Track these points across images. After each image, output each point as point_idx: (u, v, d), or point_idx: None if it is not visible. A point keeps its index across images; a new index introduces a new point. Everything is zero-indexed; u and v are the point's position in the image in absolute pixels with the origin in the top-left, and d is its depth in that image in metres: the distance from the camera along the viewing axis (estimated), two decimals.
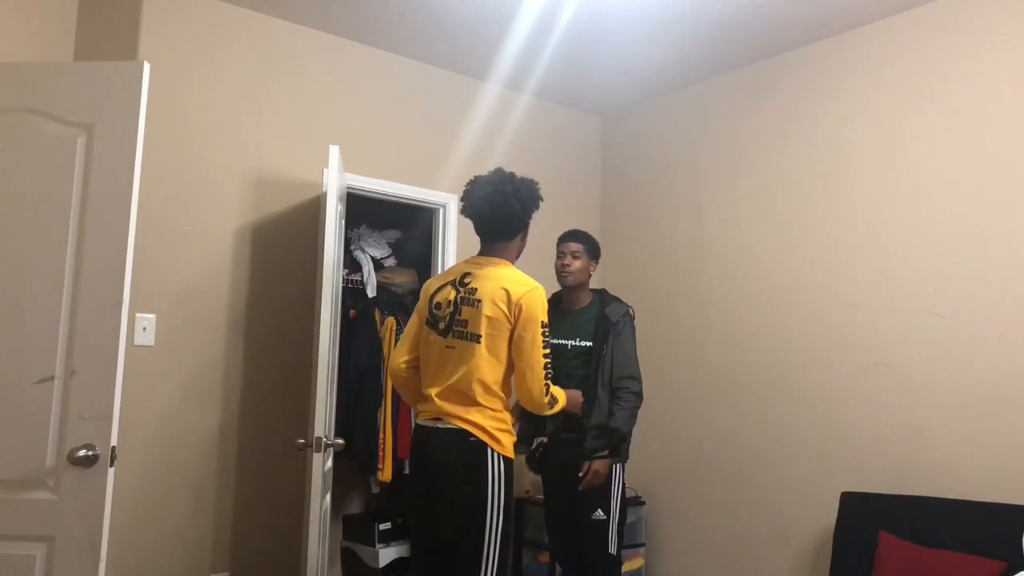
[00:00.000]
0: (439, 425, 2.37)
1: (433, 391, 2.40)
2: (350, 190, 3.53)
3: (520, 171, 4.41)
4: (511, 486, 2.37)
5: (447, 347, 2.41)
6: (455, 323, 2.40)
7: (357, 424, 3.63)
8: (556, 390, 2.50)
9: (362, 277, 4.03)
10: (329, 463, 3.07)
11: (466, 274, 2.47)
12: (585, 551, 3.05)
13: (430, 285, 2.58)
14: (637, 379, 3.06)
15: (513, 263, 2.56)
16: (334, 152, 3.06)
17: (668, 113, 4.28)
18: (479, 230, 2.56)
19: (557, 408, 2.49)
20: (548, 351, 2.40)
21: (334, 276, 3.07)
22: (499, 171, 2.53)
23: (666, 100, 4.30)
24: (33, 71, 2.33)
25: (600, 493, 3.01)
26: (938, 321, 3.05)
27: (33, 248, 2.19)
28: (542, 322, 2.37)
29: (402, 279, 4.15)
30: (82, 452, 2.07)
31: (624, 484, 3.10)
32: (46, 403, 2.12)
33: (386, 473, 3.68)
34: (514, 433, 2.48)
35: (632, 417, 3.03)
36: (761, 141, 3.78)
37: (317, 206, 3.42)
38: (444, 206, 3.92)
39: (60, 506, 2.09)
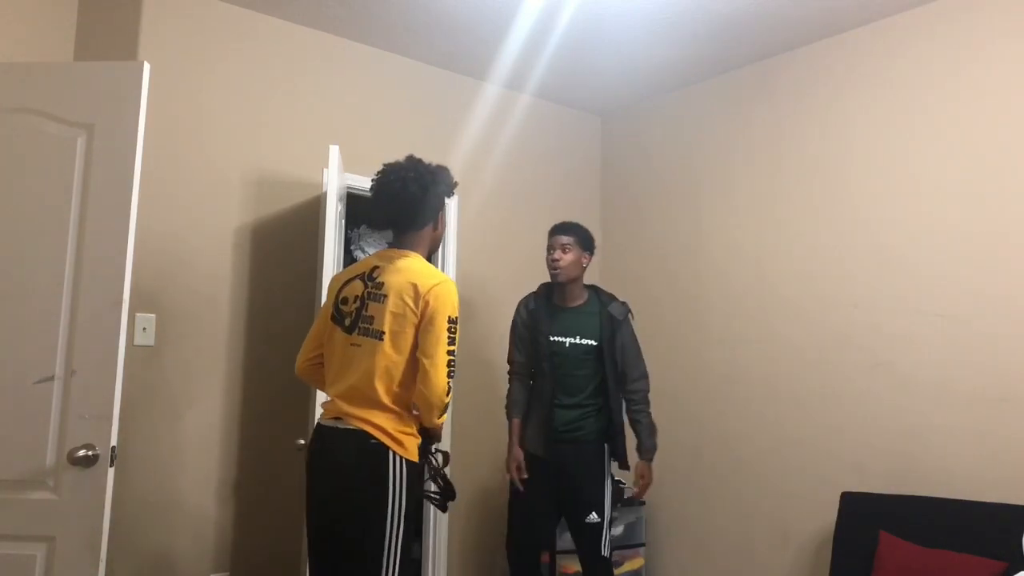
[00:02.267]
0: (339, 425, 2.19)
1: (335, 391, 2.24)
2: (350, 190, 3.52)
3: (520, 171, 4.34)
4: (413, 490, 2.20)
5: (352, 344, 2.22)
6: (361, 319, 2.22)
7: None
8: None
9: None
10: None
11: (375, 267, 2.28)
12: (579, 552, 3.07)
13: (337, 279, 2.38)
14: (647, 377, 3.17)
15: (427, 255, 2.37)
16: (334, 152, 3.07)
17: (668, 113, 4.28)
18: (386, 220, 2.39)
19: (441, 421, 2.24)
20: (454, 348, 2.18)
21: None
22: (408, 157, 2.35)
23: (666, 100, 4.30)
24: (33, 71, 2.32)
25: (597, 496, 3.02)
26: (939, 321, 3.05)
27: (33, 248, 2.19)
28: (449, 317, 2.18)
29: None
30: (82, 452, 2.08)
31: (614, 485, 3.15)
32: (46, 403, 2.12)
33: None
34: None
35: (649, 414, 3.16)
36: (761, 141, 3.78)
37: (317, 206, 3.42)
38: None
39: (60, 506, 2.09)
